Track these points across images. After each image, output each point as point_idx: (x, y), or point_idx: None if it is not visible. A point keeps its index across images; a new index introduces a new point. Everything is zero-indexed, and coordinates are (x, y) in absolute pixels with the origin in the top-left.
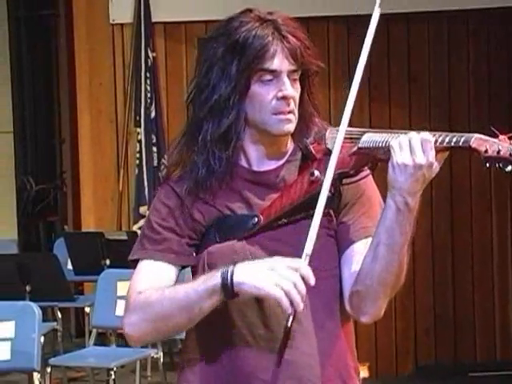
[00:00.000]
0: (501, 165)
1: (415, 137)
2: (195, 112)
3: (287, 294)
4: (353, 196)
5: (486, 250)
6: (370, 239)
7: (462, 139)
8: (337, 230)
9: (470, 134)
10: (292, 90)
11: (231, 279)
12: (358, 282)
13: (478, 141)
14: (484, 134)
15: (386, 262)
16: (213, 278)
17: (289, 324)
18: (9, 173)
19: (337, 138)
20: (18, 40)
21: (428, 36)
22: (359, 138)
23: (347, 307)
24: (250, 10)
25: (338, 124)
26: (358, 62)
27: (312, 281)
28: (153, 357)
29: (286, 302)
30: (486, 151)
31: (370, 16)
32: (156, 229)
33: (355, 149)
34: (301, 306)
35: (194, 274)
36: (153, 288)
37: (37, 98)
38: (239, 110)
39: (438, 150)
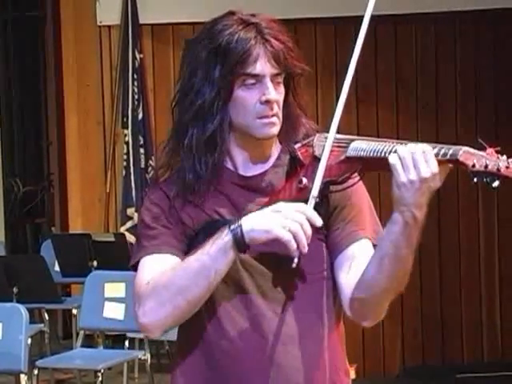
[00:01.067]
0: (488, 179)
1: (417, 151)
2: (180, 116)
3: (294, 236)
4: (341, 200)
5: (472, 251)
6: (361, 241)
7: (450, 152)
8: (327, 235)
9: (458, 147)
10: (275, 94)
11: (241, 230)
12: (362, 290)
13: (465, 154)
14: (471, 134)
15: (392, 273)
16: (222, 236)
17: (294, 265)
18: None
19: (324, 149)
20: (4, 41)
21: (415, 37)
22: (347, 146)
23: (348, 312)
24: (233, 13)
25: (326, 126)
26: (346, 65)
27: (318, 222)
28: (140, 358)
29: (293, 245)
30: (474, 165)
31: (356, 17)
32: (150, 225)
33: (343, 157)
34: (306, 247)
35: None
36: (160, 273)
37: (24, 100)
38: (224, 114)
39: (439, 162)
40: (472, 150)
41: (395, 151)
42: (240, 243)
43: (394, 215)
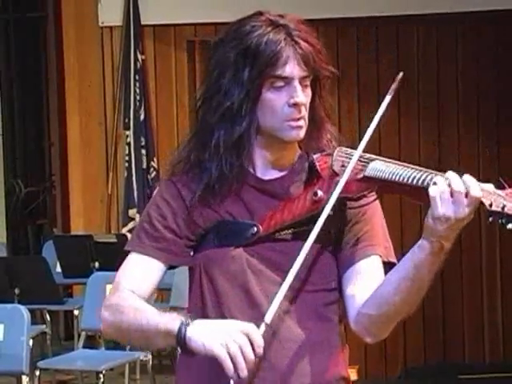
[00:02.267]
0: (503, 221)
1: (457, 190)
2: (206, 117)
3: (232, 358)
4: (355, 215)
5: (474, 251)
6: (372, 257)
7: None
8: (336, 248)
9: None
10: (303, 97)
11: (185, 333)
12: (372, 307)
13: (484, 192)
14: (472, 134)
15: (408, 295)
16: (173, 323)
17: None
18: None
19: (346, 169)
20: (6, 42)
21: (417, 38)
22: (366, 166)
23: (352, 325)
24: (261, 13)
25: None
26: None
27: (260, 350)
28: (142, 360)
29: (228, 364)
30: (491, 205)
31: (359, 19)
32: (155, 225)
33: (361, 176)
34: (244, 372)
35: (191, 274)
36: (134, 294)
37: (26, 101)
38: (252, 116)
39: None
40: (491, 189)
41: (435, 183)
42: (181, 343)
43: (423, 242)
